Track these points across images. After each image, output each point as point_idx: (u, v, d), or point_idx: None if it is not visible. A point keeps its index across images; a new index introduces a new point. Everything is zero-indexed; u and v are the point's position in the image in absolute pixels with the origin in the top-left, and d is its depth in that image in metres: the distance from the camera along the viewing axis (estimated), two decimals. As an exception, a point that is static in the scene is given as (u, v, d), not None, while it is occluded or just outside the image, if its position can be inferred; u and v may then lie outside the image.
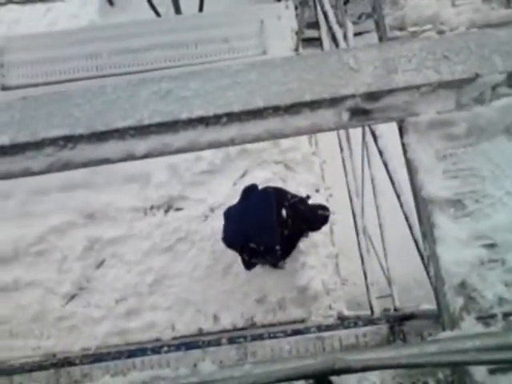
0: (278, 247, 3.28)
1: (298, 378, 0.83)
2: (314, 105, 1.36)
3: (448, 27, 1.50)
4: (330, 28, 3.05)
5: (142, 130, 1.35)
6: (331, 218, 4.29)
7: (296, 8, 5.14)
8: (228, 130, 1.36)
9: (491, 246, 1.25)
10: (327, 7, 3.00)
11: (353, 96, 1.35)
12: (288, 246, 3.59)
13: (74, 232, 4.50)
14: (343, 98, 1.35)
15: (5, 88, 4.75)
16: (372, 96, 1.36)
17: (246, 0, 7.00)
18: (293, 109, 1.36)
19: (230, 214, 3.63)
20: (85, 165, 1.37)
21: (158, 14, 6.21)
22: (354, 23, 3.96)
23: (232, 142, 1.38)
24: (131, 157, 1.38)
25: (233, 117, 1.35)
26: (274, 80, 1.39)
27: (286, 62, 1.45)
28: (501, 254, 1.24)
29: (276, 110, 1.36)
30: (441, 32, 1.50)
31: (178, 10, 5.65)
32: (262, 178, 4.50)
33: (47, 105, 1.36)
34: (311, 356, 0.89)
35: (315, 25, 4.44)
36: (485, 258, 1.24)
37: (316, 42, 4.61)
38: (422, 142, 1.35)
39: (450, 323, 1.21)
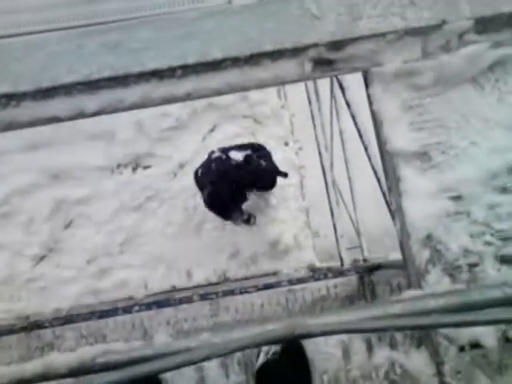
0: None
1: (258, 346, 0.81)
2: (275, 55, 1.28)
3: (415, -30, 1.42)
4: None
5: (90, 85, 1.26)
6: (301, 171, 4.29)
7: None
8: (184, 83, 1.28)
9: (457, 198, 1.24)
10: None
11: (315, 45, 1.27)
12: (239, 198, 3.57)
13: (38, 193, 4.37)
14: (306, 48, 1.27)
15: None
16: (336, 45, 1.29)
17: None
18: (253, 60, 1.28)
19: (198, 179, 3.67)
20: (31, 124, 1.28)
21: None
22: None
23: (188, 97, 1.30)
24: (81, 114, 1.29)
25: (188, 69, 1.27)
26: (232, 29, 1.31)
27: (245, 9, 1.35)
28: (466, 205, 1.23)
29: (235, 62, 1.28)
30: (408, -25, 1.42)
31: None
32: (231, 132, 4.42)
33: (-15, 59, 1.25)
34: (270, 321, 0.86)
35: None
36: (451, 210, 1.23)
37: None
38: (388, 92, 1.30)
39: (416, 276, 1.21)
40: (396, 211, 1.27)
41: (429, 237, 1.21)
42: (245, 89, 1.32)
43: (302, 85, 3.97)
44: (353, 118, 2.67)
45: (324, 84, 3.61)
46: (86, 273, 4.20)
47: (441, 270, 1.21)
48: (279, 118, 4.51)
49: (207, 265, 4.21)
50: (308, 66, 1.30)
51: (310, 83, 3.86)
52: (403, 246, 1.26)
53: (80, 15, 4.52)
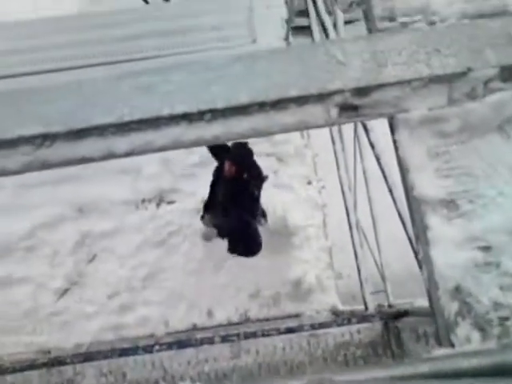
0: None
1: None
2: (300, 100, 1.31)
3: (439, 18, 1.44)
4: (319, 17, 2.98)
5: (122, 127, 1.29)
6: (324, 210, 4.27)
7: (285, -5, 5.05)
8: (212, 126, 1.31)
9: (486, 248, 1.21)
10: (317, -4, 2.93)
11: (341, 91, 1.29)
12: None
13: (64, 226, 4.46)
14: (331, 94, 1.29)
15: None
16: (361, 91, 1.31)
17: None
18: (279, 104, 1.30)
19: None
20: (63, 164, 1.32)
21: (146, 1, 6.12)
22: (345, 11, 3.88)
23: (216, 140, 1.33)
24: (112, 155, 1.32)
25: (217, 113, 1.30)
26: (259, 74, 1.34)
27: (272, 54, 1.39)
28: (495, 256, 1.20)
29: (261, 106, 1.31)
30: (431, 23, 1.45)
31: (166, -4, 5.57)
32: (255, 170, 4.45)
33: (22, 101, 1.30)
34: (295, 377, 0.84)
35: (305, 13, 4.36)
36: (479, 260, 1.20)
37: (306, 30, 4.52)
38: (413, 138, 1.30)
39: (445, 328, 1.17)
40: (423, 260, 1.25)
41: (457, 288, 1.17)
42: (270, 133, 1.35)
43: (325, 125, 4.00)
44: (377, 159, 2.67)
45: (348, 124, 3.63)
46: (107, 308, 4.20)
47: (470, 324, 1.16)
48: (302, 157, 4.55)
49: (228, 303, 4.18)
50: (334, 112, 1.32)
51: (334, 123, 3.88)
52: (431, 297, 1.22)
53: (113, 52, 4.69)
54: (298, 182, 4.40)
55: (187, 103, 1.30)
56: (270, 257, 4.20)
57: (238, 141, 3.33)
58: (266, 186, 3.82)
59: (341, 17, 3.19)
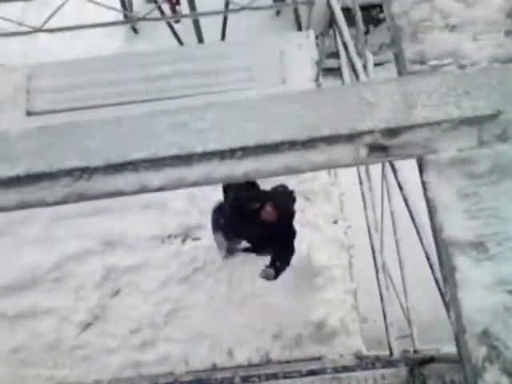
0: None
1: None
2: (331, 140, 1.33)
3: (469, 62, 1.47)
4: (349, 59, 3.05)
5: (156, 163, 1.34)
6: (350, 251, 4.22)
7: (317, 38, 5.18)
8: (243, 164, 1.34)
9: (515, 292, 1.18)
10: (347, 38, 3.00)
11: (371, 132, 1.31)
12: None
13: (91, 259, 4.52)
14: (361, 134, 1.32)
15: (30, 113, 4.88)
16: (391, 132, 1.33)
17: (268, 29, 7.13)
18: (309, 143, 1.33)
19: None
20: (98, 196, 1.36)
21: (180, 42, 6.37)
22: (375, 53, 3.96)
23: (247, 176, 1.36)
24: (145, 189, 1.36)
25: (248, 151, 1.33)
26: (290, 114, 1.37)
27: (303, 95, 1.43)
28: (525, 300, 1.17)
29: (292, 145, 1.34)
30: (462, 67, 1.47)
31: (200, 39, 5.78)
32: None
33: (64, 135, 1.36)
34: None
35: (336, 55, 4.47)
36: (509, 304, 1.17)
37: (336, 71, 4.62)
38: (442, 180, 1.30)
39: (473, 374, 1.14)
40: (451, 302, 1.23)
41: (486, 332, 1.15)
42: (300, 171, 1.37)
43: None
44: (405, 200, 2.66)
45: (375, 164, 3.64)
46: (128, 343, 4.20)
47: (499, 369, 1.13)
48: (329, 196, 4.54)
49: (250, 343, 4.12)
50: (363, 152, 1.34)
51: (361, 163, 3.90)
52: (458, 341, 1.20)
53: (149, 90, 4.87)
54: (324, 220, 4.39)
55: (219, 141, 1.34)
56: (293, 297, 4.15)
57: (282, 186, 3.39)
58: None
59: (371, 59, 3.26)
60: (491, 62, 1.45)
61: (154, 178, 1.35)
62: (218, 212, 3.95)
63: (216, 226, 4.02)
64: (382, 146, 1.34)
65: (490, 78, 1.36)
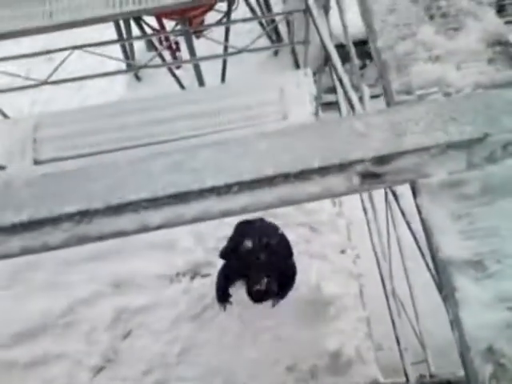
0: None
1: None
2: (323, 171, 1.37)
3: (454, 89, 1.52)
4: (345, 93, 3.13)
5: (155, 202, 1.38)
6: (360, 280, 4.20)
7: (314, 74, 5.33)
8: (239, 198, 1.38)
9: (517, 308, 1.19)
10: (341, 73, 3.09)
11: (361, 160, 1.35)
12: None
13: (101, 302, 4.51)
14: (352, 163, 1.36)
15: (37, 162, 4.99)
16: (381, 160, 1.37)
17: (267, 69, 7.31)
18: (302, 175, 1.37)
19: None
20: (100, 238, 1.40)
21: (182, 86, 6.53)
22: (372, 86, 4.06)
23: (244, 210, 1.39)
24: (145, 228, 1.40)
25: (243, 185, 1.37)
26: (283, 148, 1.42)
27: (296, 130, 1.48)
28: (528, 316, 1.18)
29: (286, 177, 1.38)
30: (447, 94, 1.52)
31: (201, 82, 5.93)
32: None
33: (65, 181, 1.42)
34: None
35: (333, 89, 4.59)
36: (511, 321, 1.18)
37: (335, 105, 4.75)
38: (435, 202, 1.33)
39: (481, 393, 1.14)
40: (453, 322, 1.24)
41: (490, 349, 1.15)
42: (295, 202, 1.40)
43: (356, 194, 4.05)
44: (408, 225, 2.66)
45: (379, 191, 3.67)
46: (141, 385, 4.15)
47: None
48: (335, 226, 4.54)
49: (264, 377, 4.06)
50: (356, 180, 1.37)
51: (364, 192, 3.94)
52: (464, 360, 1.20)
53: (151, 134, 4.98)
54: (332, 250, 4.38)
55: (215, 178, 1.38)
56: (305, 328, 4.11)
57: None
58: (299, 255, 3.84)
59: (367, 91, 3.34)
60: (475, 89, 1.50)
61: (154, 216, 1.39)
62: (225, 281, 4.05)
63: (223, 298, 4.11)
64: (374, 173, 1.38)
65: (475, 103, 1.41)
